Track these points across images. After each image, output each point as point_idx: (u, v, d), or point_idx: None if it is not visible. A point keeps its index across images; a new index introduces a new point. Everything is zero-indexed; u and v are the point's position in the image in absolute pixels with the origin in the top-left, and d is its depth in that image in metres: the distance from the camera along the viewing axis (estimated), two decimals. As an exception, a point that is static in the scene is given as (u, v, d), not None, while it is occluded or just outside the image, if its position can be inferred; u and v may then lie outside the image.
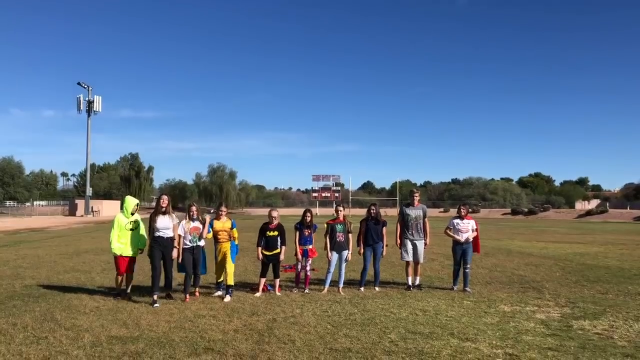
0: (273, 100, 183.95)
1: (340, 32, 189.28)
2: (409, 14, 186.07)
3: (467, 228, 9.39)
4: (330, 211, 76.83)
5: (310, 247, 9.12)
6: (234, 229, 8.73)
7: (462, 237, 9.33)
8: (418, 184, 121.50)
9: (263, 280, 8.79)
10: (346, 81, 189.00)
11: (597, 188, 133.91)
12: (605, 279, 11.05)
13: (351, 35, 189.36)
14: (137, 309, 7.48)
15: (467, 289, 9.22)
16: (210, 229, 8.51)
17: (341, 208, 9.28)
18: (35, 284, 9.73)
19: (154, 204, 9.28)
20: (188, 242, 8.22)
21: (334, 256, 9.03)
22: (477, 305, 7.97)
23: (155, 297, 7.77)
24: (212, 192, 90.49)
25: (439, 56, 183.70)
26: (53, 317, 6.91)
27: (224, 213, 8.75)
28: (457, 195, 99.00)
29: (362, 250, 9.40)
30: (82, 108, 65.95)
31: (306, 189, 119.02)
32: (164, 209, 8.15)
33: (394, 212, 55.03)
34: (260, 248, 8.72)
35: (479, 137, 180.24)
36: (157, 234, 7.99)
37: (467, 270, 9.34)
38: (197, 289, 8.52)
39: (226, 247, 8.56)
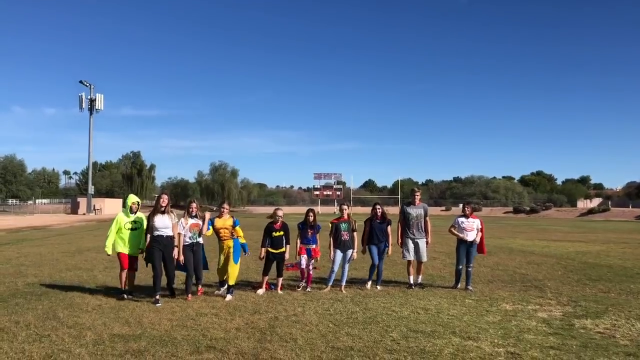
0: (274, 99, 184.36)
1: (341, 29, 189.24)
2: (410, 11, 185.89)
3: (472, 227, 9.35)
4: (332, 209, 76.94)
5: (314, 246, 9.08)
6: (237, 227, 8.63)
7: (467, 236, 9.30)
8: (420, 183, 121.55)
9: (266, 277, 8.78)
10: (347, 79, 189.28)
11: (599, 187, 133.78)
12: (607, 277, 11.04)
13: (352, 33, 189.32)
14: (140, 307, 7.49)
15: (469, 287, 9.21)
16: (210, 227, 8.46)
17: (345, 207, 9.26)
18: (37, 282, 9.75)
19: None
20: (188, 239, 8.21)
21: (338, 255, 9.00)
22: (479, 304, 7.97)
23: (157, 296, 7.78)
24: (214, 190, 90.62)
25: (441, 53, 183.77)
26: (55, 315, 6.92)
27: (226, 210, 8.67)
28: (458, 194, 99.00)
29: (365, 250, 9.37)
30: (84, 106, 65.93)
31: (308, 187, 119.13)
32: (163, 208, 8.09)
33: (395, 210, 55.03)
34: (264, 248, 8.75)
35: (480, 135, 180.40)
36: (157, 233, 7.94)
37: (469, 270, 9.34)
38: (199, 287, 8.53)
39: (229, 244, 8.43)
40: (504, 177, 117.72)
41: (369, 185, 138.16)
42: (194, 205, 8.38)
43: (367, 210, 10.13)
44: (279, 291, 8.75)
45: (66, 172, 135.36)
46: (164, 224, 7.98)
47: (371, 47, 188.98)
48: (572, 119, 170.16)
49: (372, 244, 9.29)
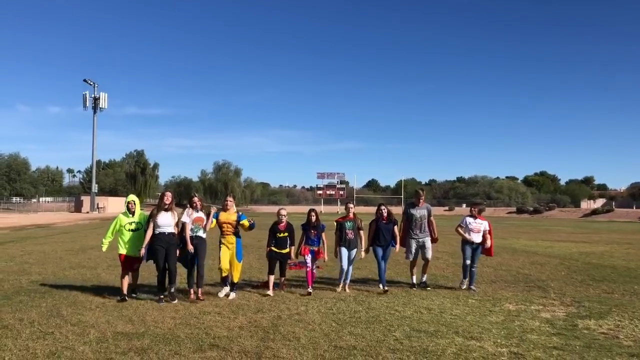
0: (278, 98, 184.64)
1: (344, 29, 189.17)
2: (414, 10, 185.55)
3: (479, 228, 9.29)
4: (335, 209, 76.87)
5: (317, 248, 8.89)
6: (244, 220, 8.34)
7: (473, 238, 9.26)
8: (423, 182, 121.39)
9: (272, 277, 8.58)
10: (351, 78, 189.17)
11: (602, 187, 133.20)
12: (611, 278, 11.01)
13: (355, 33, 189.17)
14: (143, 305, 7.51)
15: (472, 287, 9.20)
16: (214, 220, 8.25)
17: (351, 205, 9.18)
18: (41, 280, 9.79)
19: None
20: (189, 232, 8.06)
21: (344, 252, 8.88)
22: (482, 304, 7.96)
23: (161, 295, 7.79)
24: (217, 189, 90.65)
25: (444, 53, 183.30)
26: (59, 312, 6.95)
27: (229, 204, 8.42)
28: (462, 194, 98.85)
29: (369, 250, 9.20)
30: (87, 105, 66.21)
31: (311, 187, 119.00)
32: (167, 205, 7.99)
33: (398, 210, 54.91)
34: (269, 248, 8.69)
35: (484, 135, 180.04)
36: (158, 230, 7.84)
37: (473, 270, 9.31)
38: (200, 292, 8.08)
39: (231, 240, 8.22)
40: (507, 177, 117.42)
41: (372, 185, 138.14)
42: (196, 199, 8.18)
43: (371, 209, 10.08)
44: (282, 290, 8.74)
45: (70, 171, 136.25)
46: (167, 221, 7.89)
47: (375, 46, 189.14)
48: (576, 119, 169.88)
49: (377, 245, 9.14)
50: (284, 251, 8.66)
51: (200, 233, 8.12)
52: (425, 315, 7.14)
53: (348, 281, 9.07)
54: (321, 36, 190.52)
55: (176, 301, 7.75)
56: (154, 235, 7.87)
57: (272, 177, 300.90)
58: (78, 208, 65.96)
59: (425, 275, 9.55)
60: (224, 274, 8.37)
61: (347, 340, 5.77)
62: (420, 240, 9.31)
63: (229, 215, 8.33)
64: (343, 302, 7.96)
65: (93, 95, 65.89)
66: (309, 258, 8.78)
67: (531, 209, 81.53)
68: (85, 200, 66.14)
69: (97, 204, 64.89)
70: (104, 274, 10.64)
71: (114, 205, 65.48)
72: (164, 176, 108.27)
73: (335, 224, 9.16)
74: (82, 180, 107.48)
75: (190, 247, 7.93)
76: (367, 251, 9.25)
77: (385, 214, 9.15)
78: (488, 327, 6.45)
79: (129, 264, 8.08)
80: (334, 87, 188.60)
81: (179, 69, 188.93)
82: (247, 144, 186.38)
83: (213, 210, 8.34)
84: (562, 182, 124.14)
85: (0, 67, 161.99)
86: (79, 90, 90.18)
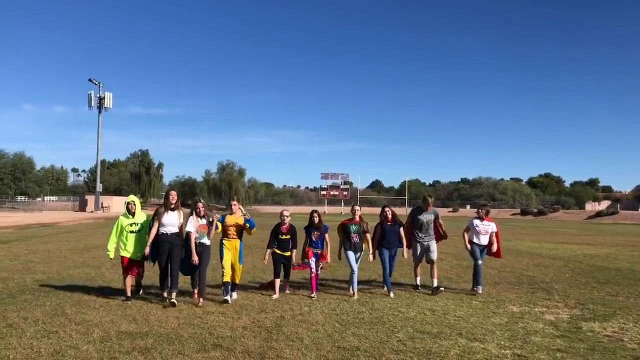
0: (282, 98, 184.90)
1: (348, 30, 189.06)
2: (418, 10, 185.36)
3: (486, 230, 9.21)
4: (338, 210, 77.00)
5: (320, 251, 8.70)
6: (254, 229, 8.26)
7: (481, 240, 9.19)
8: (427, 183, 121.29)
9: (278, 280, 8.46)
10: (355, 79, 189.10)
11: (607, 189, 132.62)
12: (615, 280, 10.96)
13: (359, 33, 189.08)
14: (147, 305, 7.52)
15: (476, 288, 9.15)
16: (220, 225, 8.09)
17: (357, 208, 8.96)
18: (45, 279, 9.82)
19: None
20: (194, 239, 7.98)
21: (351, 255, 8.61)
22: (485, 306, 7.94)
23: (164, 294, 7.78)
24: (221, 189, 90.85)
25: (449, 54, 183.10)
26: (63, 311, 6.98)
27: (235, 207, 8.26)
28: (466, 195, 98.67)
29: (375, 255, 8.88)
30: (93, 104, 66.54)
31: (315, 187, 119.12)
32: (172, 205, 7.87)
33: (402, 211, 54.84)
34: (270, 250, 8.50)
35: (488, 136, 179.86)
36: (163, 230, 7.72)
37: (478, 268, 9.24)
38: (201, 300, 7.71)
39: (235, 245, 8.11)
40: (511, 178, 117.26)
41: (376, 186, 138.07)
42: (200, 205, 7.91)
43: (374, 210, 10.05)
44: (286, 290, 8.73)
45: (74, 170, 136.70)
46: (172, 221, 7.79)
47: (379, 46, 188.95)
48: (582, 120, 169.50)
49: (383, 247, 8.87)
50: (286, 254, 8.52)
51: (204, 240, 7.90)
52: (428, 316, 7.13)
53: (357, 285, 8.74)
54: (326, 36, 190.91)
55: (175, 307, 7.47)
56: (157, 235, 7.76)
57: (276, 177, 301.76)
58: (82, 207, 66.24)
59: (436, 280, 9.14)
60: (225, 279, 7.98)
61: (351, 341, 5.76)
62: (425, 243, 9.19)
63: (236, 219, 8.20)
64: (346, 302, 7.96)
65: (98, 95, 66.19)
66: (313, 262, 8.57)
67: (535, 210, 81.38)
68: (90, 199, 66.44)
69: (102, 204, 65.14)
70: (108, 273, 10.67)
71: (118, 204, 65.67)
72: (168, 176, 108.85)
73: (340, 226, 8.90)
74: (86, 180, 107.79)
75: (195, 259, 7.69)
76: (374, 255, 8.91)
77: (389, 216, 8.92)
78: (492, 329, 6.43)
79: (131, 267, 7.97)
80: (338, 88, 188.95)
81: (183, 69, 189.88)
82: (251, 144, 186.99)
83: (216, 218, 8.04)
84: (567, 184, 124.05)
85: (6, 66, 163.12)
86: (84, 90, 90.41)
